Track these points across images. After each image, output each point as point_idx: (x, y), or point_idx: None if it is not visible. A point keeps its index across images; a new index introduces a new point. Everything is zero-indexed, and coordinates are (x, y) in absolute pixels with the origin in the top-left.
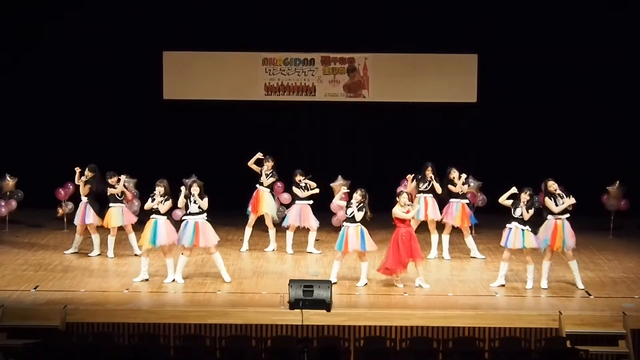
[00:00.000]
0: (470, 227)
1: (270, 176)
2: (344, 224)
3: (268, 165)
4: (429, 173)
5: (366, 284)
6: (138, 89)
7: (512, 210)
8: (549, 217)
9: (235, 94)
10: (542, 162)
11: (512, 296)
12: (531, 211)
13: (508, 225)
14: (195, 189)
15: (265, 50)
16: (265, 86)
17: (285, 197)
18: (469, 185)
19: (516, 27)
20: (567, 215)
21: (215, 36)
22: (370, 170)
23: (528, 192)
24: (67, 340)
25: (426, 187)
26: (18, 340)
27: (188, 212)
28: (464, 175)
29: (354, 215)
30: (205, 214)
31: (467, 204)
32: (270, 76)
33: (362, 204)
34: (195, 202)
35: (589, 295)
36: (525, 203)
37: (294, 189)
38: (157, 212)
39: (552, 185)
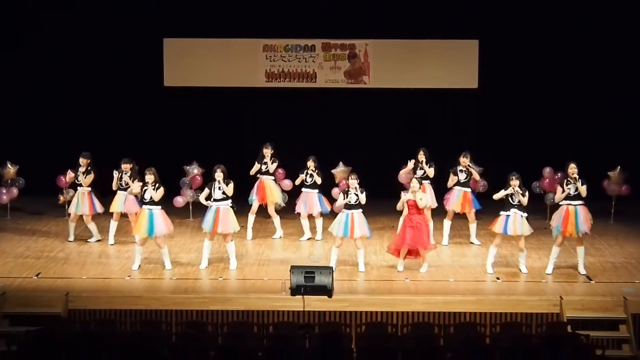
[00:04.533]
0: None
1: (273, 162)
2: (345, 210)
3: (267, 152)
4: (421, 157)
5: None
6: (139, 77)
7: (510, 198)
8: (562, 202)
9: (236, 80)
10: (543, 148)
11: (513, 281)
12: (527, 195)
13: (505, 213)
14: (219, 175)
15: (266, 36)
16: (266, 73)
17: (287, 184)
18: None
19: (517, 13)
20: (580, 202)
21: (216, 23)
22: (371, 156)
23: (515, 177)
24: (69, 327)
25: (423, 174)
26: (20, 327)
27: (213, 198)
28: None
29: (359, 202)
30: (229, 200)
31: (470, 191)
32: (270, 63)
33: (361, 188)
34: (219, 188)
35: (590, 280)
36: (520, 188)
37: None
38: (150, 202)
39: (572, 169)
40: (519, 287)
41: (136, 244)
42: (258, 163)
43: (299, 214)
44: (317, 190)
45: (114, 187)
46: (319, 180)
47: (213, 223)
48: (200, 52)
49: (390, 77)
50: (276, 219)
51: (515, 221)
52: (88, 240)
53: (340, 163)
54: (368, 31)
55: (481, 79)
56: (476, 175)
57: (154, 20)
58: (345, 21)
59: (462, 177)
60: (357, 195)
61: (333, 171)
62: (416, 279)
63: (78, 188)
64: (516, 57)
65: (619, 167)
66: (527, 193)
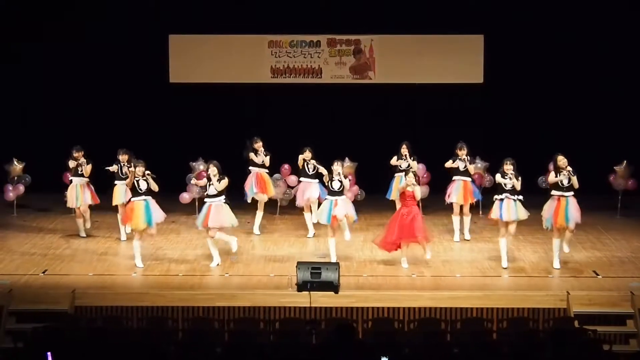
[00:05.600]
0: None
1: (267, 154)
2: (329, 197)
3: (260, 145)
4: (404, 151)
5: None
6: (144, 73)
7: (502, 183)
8: (553, 192)
9: (241, 76)
10: (549, 142)
11: (519, 276)
12: (520, 179)
13: (498, 197)
14: (213, 170)
15: (271, 32)
16: (272, 69)
17: (293, 180)
18: (476, 166)
19: (522, 7)
20: (571, 192)
21: (221, 19)
22: (376, 151)
23: (510, 162)
24: (76, 323)
25: (407, 166)
26: (27, 324)
27: (206, 194)
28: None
29: (342, 188)
30: (222, 197)
31: (470, 180)
32: (276, 59)
33: (343, 175)
34: (212, 184)
35: (597, 275)
36: (513, 173)
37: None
38: (146, 192)
39: (561, 161)
40: (525, 282)
41: (134, 239)
42: (255, 155)
43: (301, 208)
44: (317, 180)
45: (112, 169)
46: (324, 171)
47: (204, 219)
48: (205, 49)
49: (395, 73)
50: (261, 214)
51: (509, 206)
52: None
53: (347, 158)
54: (373, 26)
55: (486, 74)
56: (470, 169)
57: (160, 17)
58: (350, 16)
59: (462, 166)
60: (340, 182)
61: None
62: (423, 275)
63: (73, 180)
64: (521, 52)
65: (625, 161)
66: (520, 179)
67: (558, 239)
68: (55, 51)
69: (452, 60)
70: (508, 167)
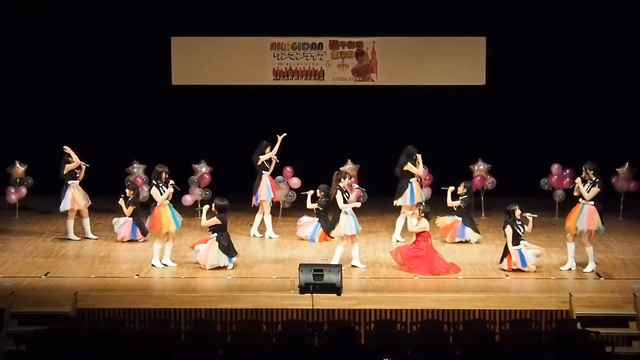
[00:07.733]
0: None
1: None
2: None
3: (269, 150)
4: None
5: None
6: (147, 75)
7: (518, 230)
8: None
9: (243, 79)
10: (551, 144)
11: (522, 278)
12: (531, 220)
13: (516, 247)
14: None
15: (274, 34)
16: (274, 71)
17: (295, 182)
18: (478, 168)
19: (524, 9)
20: (591, 202)
21: (224, 21)
22: (379, 154)
23: (517, 206)
24: (78, 326)
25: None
26: (29, 326)
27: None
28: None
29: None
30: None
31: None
32: (278, 61)
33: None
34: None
35: (599, 277)
36: (524, 215)
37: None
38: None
39: (584, 169)
40: (528, 284)
41: (155, 242)
42: (268, 164)
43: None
44: (317, 219)
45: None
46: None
47: None
48: (208, 51)
49: (398, 75)
50: (269, 217)
51: (529, 250)
52: (68, 237)
53: (349, 160)
54: (375, 28)
55: (489, 76)
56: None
57: (162, 19)
58: (353, 19)
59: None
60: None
61: (341, 169)
62: (425, 277)
63: (70, 183)
64: (524, 54)
65: (627, 163)
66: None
67: (572, 242)
68: (57, 53)
69: (455, 63)
70: (518, 212)
